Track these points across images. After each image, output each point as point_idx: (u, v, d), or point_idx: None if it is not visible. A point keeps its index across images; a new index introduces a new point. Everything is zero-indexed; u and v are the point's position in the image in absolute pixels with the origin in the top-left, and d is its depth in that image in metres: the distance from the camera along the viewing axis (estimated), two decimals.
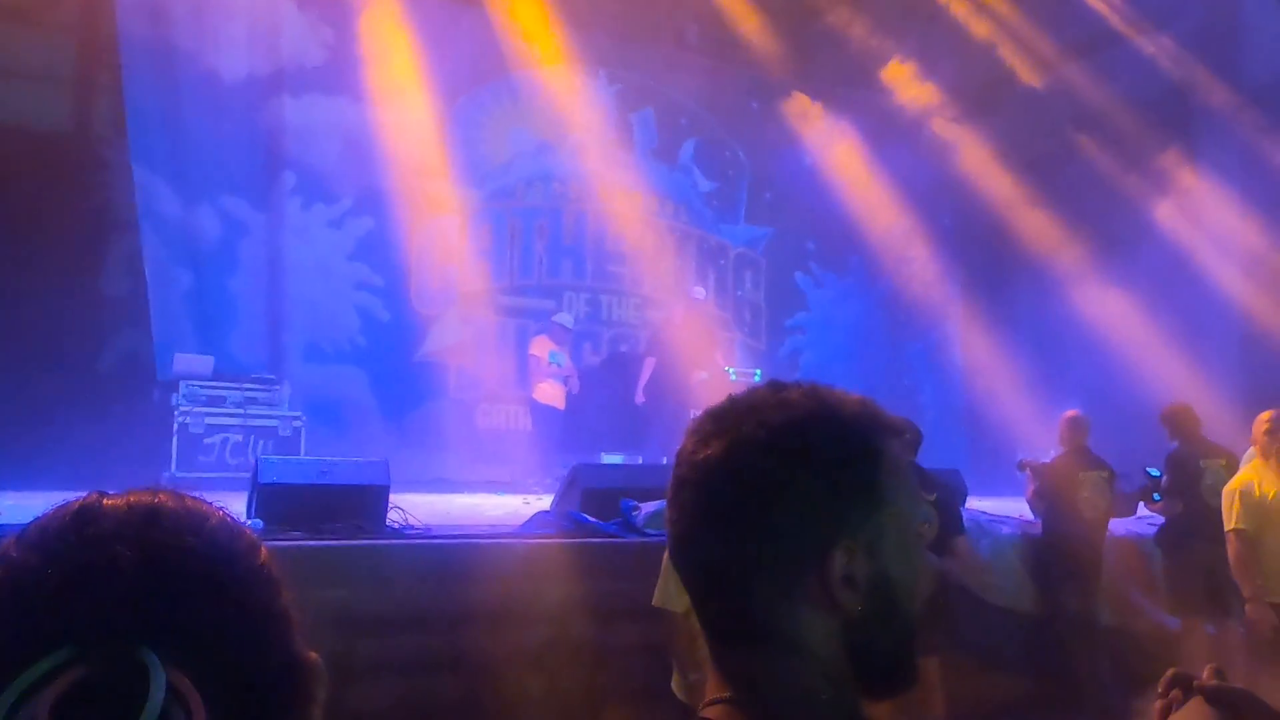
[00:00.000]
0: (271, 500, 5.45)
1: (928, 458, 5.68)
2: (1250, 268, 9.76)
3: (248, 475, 6.02)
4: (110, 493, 0.76)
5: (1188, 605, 6.40)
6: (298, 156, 10.14)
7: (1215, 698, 1.12)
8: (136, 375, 8.90)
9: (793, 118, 12.52)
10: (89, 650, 0.65)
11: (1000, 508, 7.74)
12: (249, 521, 5.33)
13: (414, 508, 6.01)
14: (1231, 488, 5.29)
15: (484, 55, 10.63)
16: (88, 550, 0.69)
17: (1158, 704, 1.15)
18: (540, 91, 10.98)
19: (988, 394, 11.23)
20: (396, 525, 5.78)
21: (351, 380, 10.19)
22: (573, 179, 11.60)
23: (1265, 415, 5.29)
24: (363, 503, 5.69)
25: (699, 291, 11.19)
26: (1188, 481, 6.40)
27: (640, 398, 9.97)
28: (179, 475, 8.01)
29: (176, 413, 8.29)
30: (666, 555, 1.14)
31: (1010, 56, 11.38)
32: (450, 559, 5.39)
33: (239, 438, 8.50)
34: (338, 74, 10.22)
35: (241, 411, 8.59)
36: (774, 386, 0.97)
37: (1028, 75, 11.58)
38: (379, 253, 10.39)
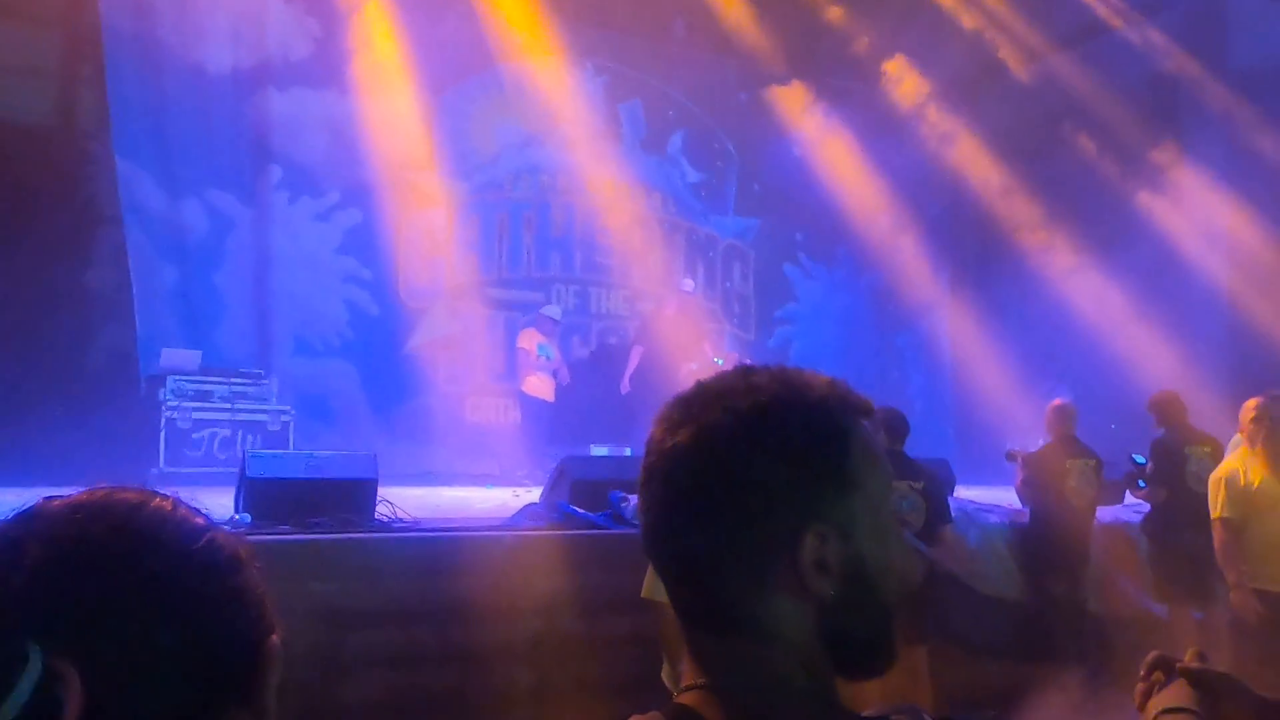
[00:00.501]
0: (260, 495, 5.44)
1: (916, 447, 5.70)
2: (1237, 257, 9.80)
3: (236, 470, 6.01)
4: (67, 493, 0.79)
5: (1174, 591, 6.44)
6: (284, 150, 10.09)
7: (1196, 680, 1.13)
8: (124, 370, 8.85)
9: (781, 109, 12.51)
10: None
11: (988, 497, 7.77)
12: (237, 516, 5.32)
13: (403, 501, 6.01)
14: (1217, 475, 5.32)
15: (471, 48, 10.59)
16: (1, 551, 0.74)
17: (1140, 686, 1.15)
18: (527, 84, 10.94)
19: (976, 384, 11.27)
20: (385, 519, 5.78)
21: (340, 374, 10.17)
22: (561, 171, 11.58)
23: (1252, 402, 5.29)
24: (351, 496, 5.69)
25: (688, 284, 11.20)
26: (1173, 469, 6.43)
27: (626, 387, 9.99)
28: (167, 471, 7.99)
29: (164, 408, 8.25)
30: None
31: (998, 47, 11.39)
32: (439, 552, 5.39)
33: (227, 432, 8.47)
34: (324, 67, 10.17)
35: (229, 406, 8.56)
36: (743, 371, 0.96)
37: (1016, 66, 11.59)
38: (367, 246, 10.35)
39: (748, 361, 1.02)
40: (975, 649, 6.25)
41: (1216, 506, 5.21)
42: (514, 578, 5.26)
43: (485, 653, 5.08)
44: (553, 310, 10.23)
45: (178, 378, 8.41)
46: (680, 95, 12.50)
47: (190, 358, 8.63)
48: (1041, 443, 7.01)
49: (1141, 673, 1.14)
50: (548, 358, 9.73)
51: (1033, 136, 11.48)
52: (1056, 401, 6.92)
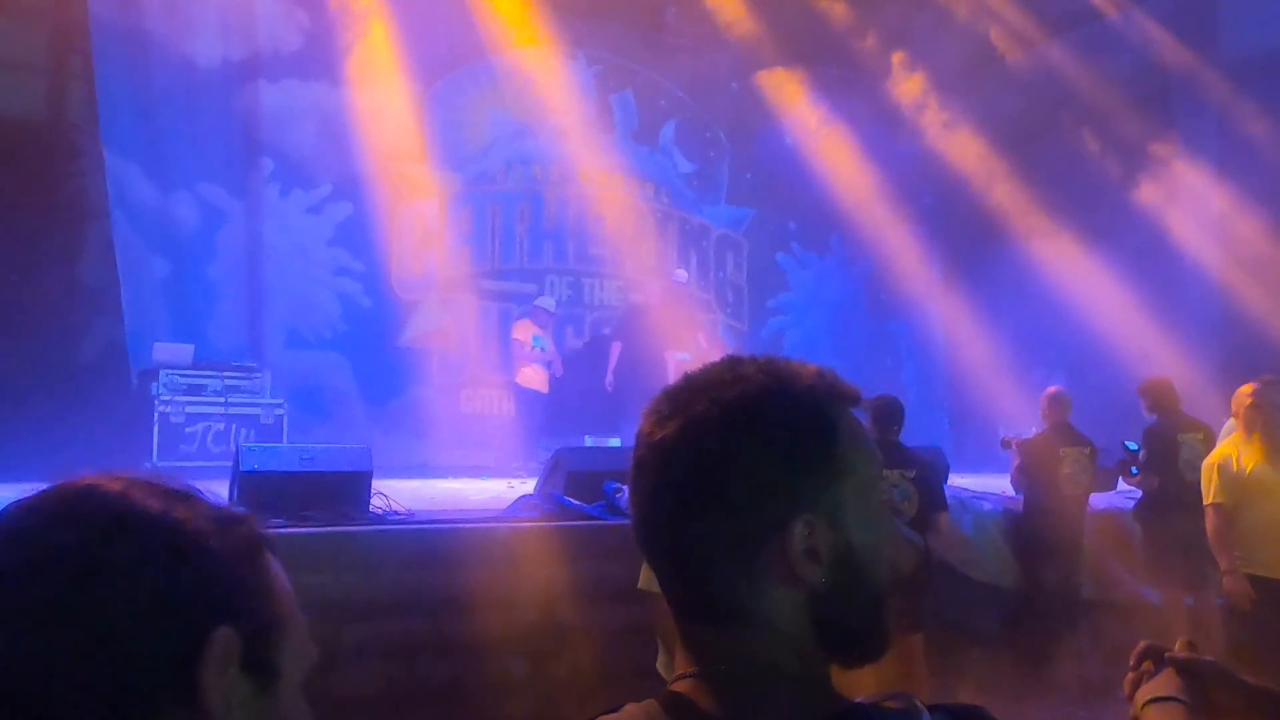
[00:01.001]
0: (254, 488, 5.44)
1: (910, 435, 5.71)
2: (1229, 244, 9.82)
3: (230, 464, 6.00)
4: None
5: (1166, 577, 6.47)
6: (275, 142, 10.05)
7: (1184, 669, 1.13)
8: (116, 365, 8.83)
9: (773, 98, 12.48)
10: None
11: (981, 484, 7.79)
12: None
13: (397, 494, 6.01)
14: (1210, 461, 5.33)
15: (462, 38, 10.56)
16: None
17: (1129, 676, 1.16)
18: (519, 74, 10.91)
19: (969, 372, 11.29)
20: (380, 511, 5.79)
21: (333, 367, 10.15)
22: (553, 162, 11.56)
23: (1247, 388, 5.29)
24: (346, 489, 5.69)
25: (681, 274, 11.20)
26: (1165, 456, 6.46)
27: (610, 382, 9.99)
28: (161, 464, 7.97)
29: (157, 402, 8.24)
30: None
31: (991, 34, 11.38)
32: (434, 544, 5.40)
33: (221, 426, 8.45)
34: (314, 59, 10.13)
35: (223, 400, 8.54)
36: (730, 363, 0.97)
37: (1009, 54, 11.59)
38: (359, 238, 10.33)
39: (738, 353, 1.03)
40: (970, 636, 6.27)
41: (1209, 492, 5.23)
42: (509, 569, 5.26)
43: (481, 644, 5.09)
44: (546, 301, 10.23)
45: (170, 371, 8.39)
46: (672, 85, 12.48)
47: (183, 351, 8.61)
48: (1036, 430, 7.03)
49: (1131, 662, 1.14)
50: (542, 349, 9.73)
51: (1026, 125, 11.48)
52: (1051, 389, 6.94)
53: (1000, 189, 11.48)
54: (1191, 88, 10.24)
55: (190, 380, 8.46)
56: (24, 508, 0.76)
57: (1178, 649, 1.15)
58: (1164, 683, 1.13)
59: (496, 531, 5.62)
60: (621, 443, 9.64)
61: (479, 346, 10.85)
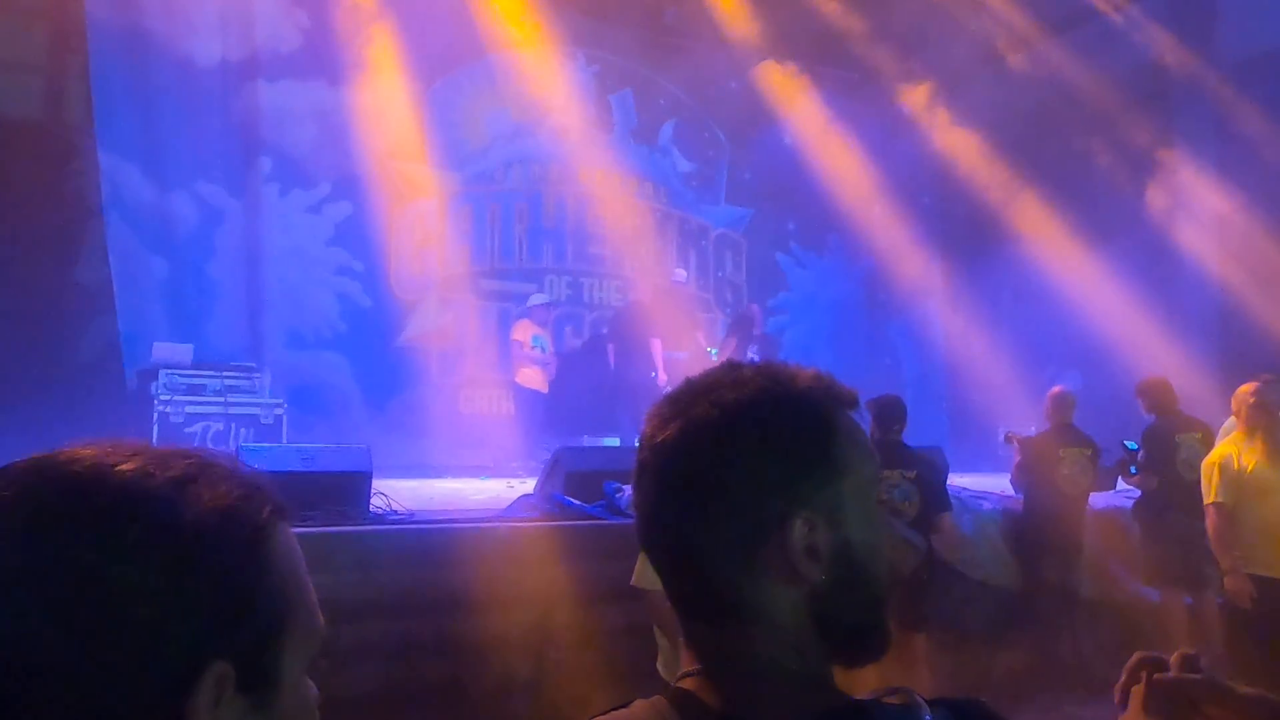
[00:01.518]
0: None
1: (909, 435, 5.71)
2: (1227, 242, 9.82)
3: None
4: None
5: (1165, 577, 6.47)
6: (274, 142, 10.05)
7: (1173, 692, 1.12)
8: (116, 364, 8.83)
9: (772, 97, 12.48)
10: None
11: (981, 484, 7.79)
12: None
13: (397, 493, 6.01)
14: (1210, 461, 5.32)
15: (461, 38, 10.55)
16: None
17: (1120, 682, 1.14)
18: (518, 74, 10.90)
19: (968, 371, 11.29)
20: (379, 511, 5.78)
21: (332, 366, 10.14)
22: (552, 161, 11.56)
23: (1249, 387, 5.27)
24: (345, 489, 5.68)
25: (680, 273, 11.20)
26: (1164, 455, 6.46)
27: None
28: None
29: (156, 401, 8.23)
30: None
31: (990, 33, 11.38)
32: (434, 544, 5.39)
33: (220, 426, 8.44)
34: (313, 58, 10.13)
35: (222, 399, 8.53)
36: (729, 366, 1.00)
37: (1008, 53, 11.59)
38: (358, 238, 10.33)
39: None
40: (971, 635, 6.27)
41: (1210, 491, 5.23)
42: (509, 569, 5.26)
43: (481, 644, 5.09)
44: (539, 298, 10.20)
45: (170, 371, 8.38)
46: (671, 85, 12.48)
47: (182, 351, 8.61)
48: (1038, 429, 7.04)
49: (1123, 678, 1.13)
50: (542, 349, 9.72)
51: (1025, 124, 11.47)
52: (1055, 389, 6.95)
53: (999, 189, 11.48)
54: (1191, 88, 10.24)
55: (190, 380, 8.45)
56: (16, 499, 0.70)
57: (1173, 663, 1.13)
58: (1153, 711, 1.11)
59: (496, 531, 5.61)
60: (621, 442, 9.65)
61: (478, 346, 10.85)
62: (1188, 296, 10.02)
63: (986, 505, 7.18)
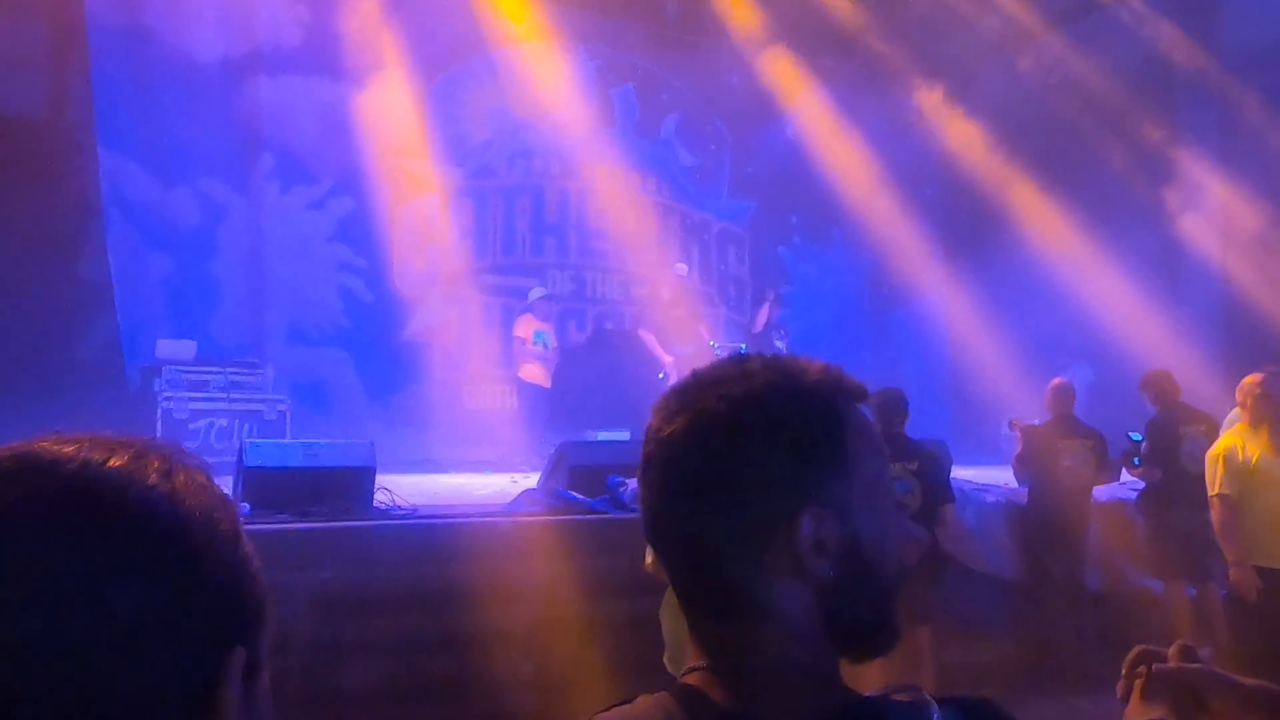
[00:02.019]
0: (258, 484, 5.45)
1: (912, 428, 5.71)
2: (1232, 234, 9.80)
3: (233, 459, 6.01)
4: None
5: (1169, 569, 6.48)
6: (276, 138, 10.05)
7: (1174, 683, 1.12)
8: (117, 361, 8.84)
9: (774, 91, 12.45)
10: None
11: (984, 477, 7.79)
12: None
13: (401, 489, 6.02)
14: (1215, 453, 5.31)
15: (463, 32, 10.54)
16: None
17: (1121, 683, 1.14)
18: (520, 68, 10.89)
19: (971, 364, 11.27)
20: (384, 506, 5.79)
21: (336, 362, 10.16)
22: (554, 156, 11.54)
23: (1255, 378, 5.25)
24: (349, 484, 5.69)
25: (681, 267, 11.19)
26: (1167, 448, 6.45)
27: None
28: None
29: (160, 398, 8.24)
30: None
31: (991, 25, 11.35)
32: (438, 539, 5.40)
33: (224, 422, 8.46)
34: (315, 54, 10.12)
35: (226, 396, 8.55)
36: (738, 360, 0.98)
37: (1011, 44, 11.56)
38: (360, 234, 10.33)
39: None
40: (974, 628, 6.28)
41: (1215, 483, 5.21)
42: (513, 563, 5.27)
43: (484, 638, 5.09)
44: (539, 292, 10.17)
45: (173, 367, 8.40)
46: (673, 79, 12.46)
47: (185, 348, 8.62)
48: (1040, 420, 7.03)
49: (1124, 669, 1.13)
50: (544, 345, 9.70)
51: (1028, 117, 11.45)
52: (1056, 380, 6.94)
53: (1002, 180, 11.46)
54: (1195, 80, 10.21)
55: (193, 376, 8.47)
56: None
57: (1171, 655, 1.13)
58: (1154, 702, 1.11)
59: (500, 526, 5.62)
60: (631, 435, 9.66)
61: (481, 341, 10.84)
62: (1193, 289, 10.00)
63: (990, 498, 7.18)
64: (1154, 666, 1.12)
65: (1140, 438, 6.66)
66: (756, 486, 0.91)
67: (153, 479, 0.71)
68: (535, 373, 9.63)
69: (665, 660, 3.87)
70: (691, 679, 0.93)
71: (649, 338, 10.07)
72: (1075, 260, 10.36)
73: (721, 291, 12.76)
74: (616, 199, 11.53)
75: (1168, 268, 9.95)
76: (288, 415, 8.78)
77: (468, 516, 5.87)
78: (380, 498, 5.83)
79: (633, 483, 5.98)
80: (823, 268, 13.21)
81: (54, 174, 8.78)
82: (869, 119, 12.02)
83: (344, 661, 4.92)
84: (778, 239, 13.09)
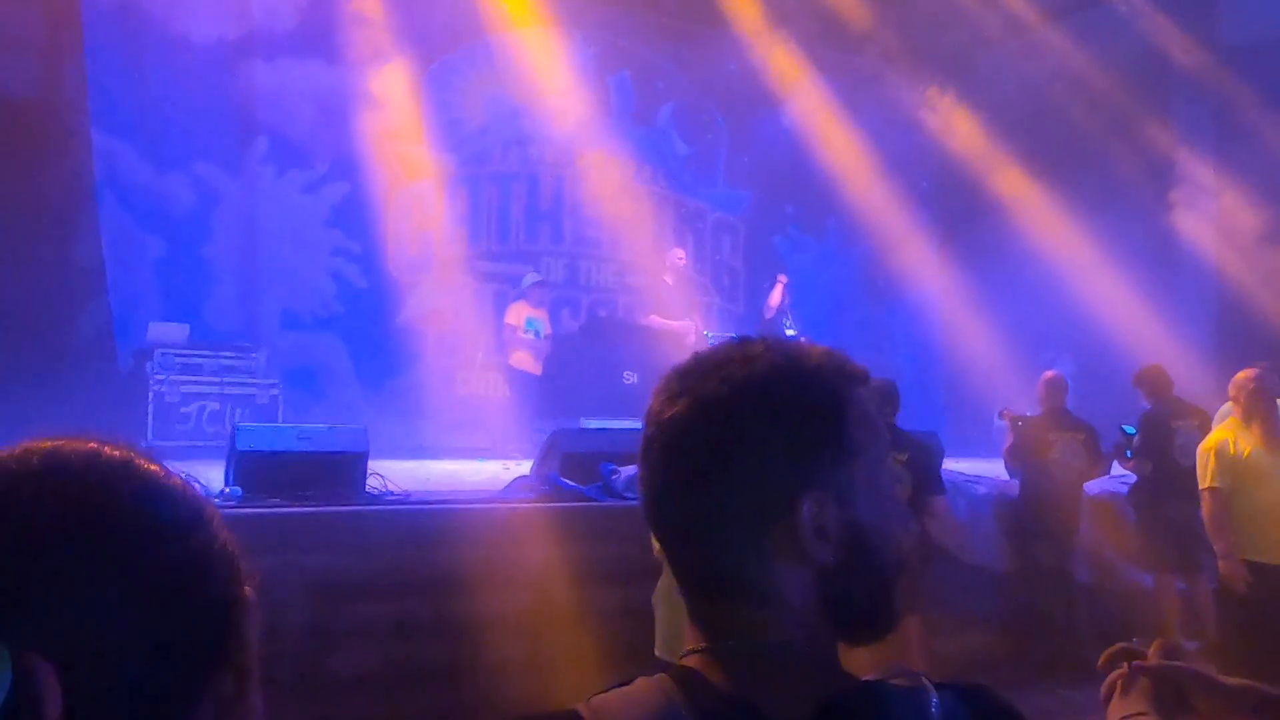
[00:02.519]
0: (249, 468, 5.44)
1: (904, 418, 5.71)
2: (1226, 229, 9.82)
3: (225, 443, 6.00)
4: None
5: (1159, 562, 6.50)
6: (271, 121, 10.02)
7: (1157, 679, 1.12)
8: (110, 344, 8.82)
9: (771, 81, 12.42)
10: None
11: (976, 468, 7.80)
12: (227, 489, 5.32)
13: (393, 474, 6.01)
14: (1206, 446, 5.33)
15: (459, 18, 10.50)
16: None
17: (1105, 686, 1.14)
18: (516, 55, 10.85)
19: (965, 356, 11.29)
20: (376, 491, 5.79)
21: (329, 347, 10.14)
22: (550, 143, 11.51)
23: (1249, 373, 5.26)
24: (341, 469, 5.69)
25: (679, 254, 11.16)
26: (1160, 442, 6.47)
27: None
28: (155, 444, 7.94)
29: (152, 381, 8.23)
30: None
31: (988, 18, 11.33)
32: (430, 524, 5.40)
33: (216, 405, 8.45)
34: (311, 37, 10.08)
35: (218, 380, 8.54)
36: (740, 342, 0.98)
37: (1007, 37, 11.54)
38: (355, 219, 10.30)
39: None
40: (965, 619, 6.30)
41: (1206, 476, 5.23)
42: (505, 550, 5.27)
43: (477, 625, 5.10)
44: (532, 277, 10.13)
45: (165, 351, 8.38)
46: (670, 67, 12.43)
47: (177, 331, 8.60)
48: (1032, 413, 7.05)
49: (1100, 663, 1.13)
50: (535, 333, 9.67)
51: (1023, 109, 11.44)
52: (1048, 374, 6.96)
53: (997, 174, 11.46)
54: (1190, 74, 10.21)
55: (185, 360, 8.45)
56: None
57: (1153, 652, 1.13)
58: (1136, 698, 1.12)
59: (492, 512, 5.62)
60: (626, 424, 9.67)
61: (475, 328, 10.82)
62: (1186, 283, 10.03)
63: (981, 489, 7.20)
64: (1134, 663, 1.13)
65: (1134, 431, 6.68)
66: (758, 470, 0.90)
67: (173, 483, 0.72)
68: (525, 360, 9.61)
69: (657, 648, 3.88)
70: (690, 661, 0.93)
71: (655, 320, 10.06)
72: (1070, 254, 10.37)
73: (716, 281, 12.75)
74: (611, 187, 11.51)
75: (1162, 262, 9.96)
76: (280, 399, 8.77)
77: (460, 503, 5.87)
78: (372, 483, 5.82)
79: (625, 470, 5.99)
80: (818, 258, 13.20)
81: (47, 156, 8.73)
82: (866, 110, 12.01)
83: (336, 646, 4.92)
84: (774, 229, 13.09)
